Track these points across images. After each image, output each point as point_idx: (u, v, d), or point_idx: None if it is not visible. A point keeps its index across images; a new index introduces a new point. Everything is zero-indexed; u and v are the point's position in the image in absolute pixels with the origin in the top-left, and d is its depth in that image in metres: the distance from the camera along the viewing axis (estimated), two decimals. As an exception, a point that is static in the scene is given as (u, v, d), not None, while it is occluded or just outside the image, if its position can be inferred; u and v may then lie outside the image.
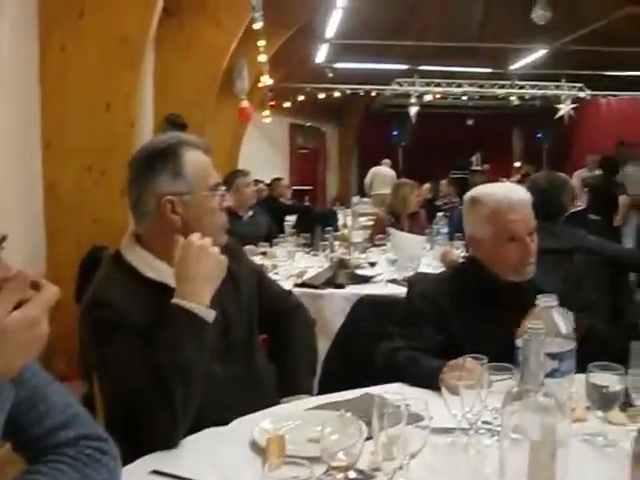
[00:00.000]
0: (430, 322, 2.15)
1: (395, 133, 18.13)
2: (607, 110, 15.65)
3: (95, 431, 1.24)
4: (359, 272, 4.22)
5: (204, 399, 1.66)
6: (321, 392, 2.28)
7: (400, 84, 14.23)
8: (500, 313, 2.06)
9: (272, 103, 13.26)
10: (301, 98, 14.40)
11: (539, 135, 17.95)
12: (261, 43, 8.18)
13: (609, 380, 1.55)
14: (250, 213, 5.72)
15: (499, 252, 2.15)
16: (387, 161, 14.39)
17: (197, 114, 7.06)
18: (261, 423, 1.64)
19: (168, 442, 1.57)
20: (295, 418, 1.69)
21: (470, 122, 18.96)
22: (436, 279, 2.49)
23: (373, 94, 15.54)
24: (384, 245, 5.15)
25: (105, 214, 4.38)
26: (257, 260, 4.38)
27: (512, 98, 15.04)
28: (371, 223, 6.50)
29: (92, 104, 4.40)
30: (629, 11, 9.84)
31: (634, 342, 1.66)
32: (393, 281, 3.95)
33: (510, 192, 2.18)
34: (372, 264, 4.60)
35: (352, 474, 1.33)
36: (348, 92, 14.69)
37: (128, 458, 1.43)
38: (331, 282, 3.86)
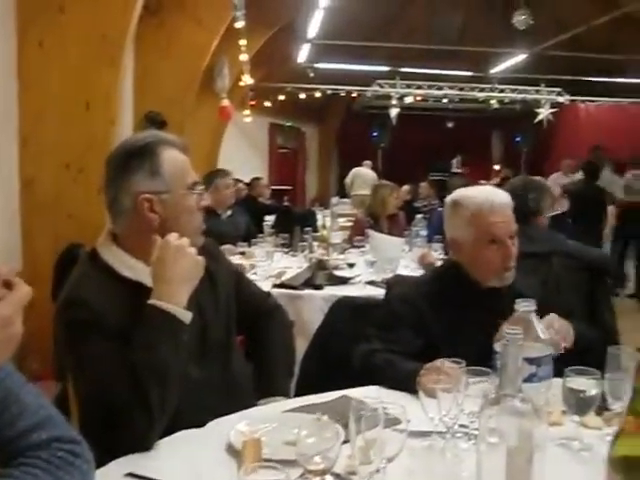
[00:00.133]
0: (409, 325, 2.15)
1: (375, 134, 18.16)
2: (585, 115, 15.78)
3: (68, 433, 1.22)
4: (338, 273, 4.22)
5: (180, 400, 1.65)
6: (299, 393, 2.27)
7: (381, 85, 14.24)
8: (479, 317, 2.06)
9: (253, 102, 13.22)
10: (282, 98, 14.37)
11: (518, 139, 18.06)
12: (242, 42, 8.16)
13: (586, 385, 1.56)
14: (229, 212, 5.70)
15: (480, 255, 2.15)
16: (368, 162, 14.41)
17: (177, 112, 7.03)
18: (237, 425, 1.63)
19: (143, 444, 1.55)
20: (272, 420, 1.68)
21: (450, 125, 19.04)
22: (415, 282, 2.49)
23: (354, 95, 15.55)
24: (363, 246, 5.16)
25: (82, 211, 4.33)
26: (236, 260, 4.36)
27: (492, 101, 15.11)
28: (350, 224, 6.50)
29: (71, 101, 4.35)
30: (609, 18, 9.96)
31: (611, 347, 1.67)
32: (371, 283, 3.96)
33: (491, 195, 2.18)
34: (351, 265, 4.60)
35: (329, 478, 1.32)
36: (329, 92, 14.68)
37: (102, 460, 1.41)
38: (310, 283, 3.86)
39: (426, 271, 4.03)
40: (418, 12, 13.07)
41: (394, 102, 14.43)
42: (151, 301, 1.65)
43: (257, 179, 9.57)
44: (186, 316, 1.67)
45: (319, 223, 6.79)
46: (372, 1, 11.70)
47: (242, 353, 2.13)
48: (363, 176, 13.29)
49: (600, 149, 9.35)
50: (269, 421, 1.67)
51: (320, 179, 19.10)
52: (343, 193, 13.72)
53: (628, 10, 10.57)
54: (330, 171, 19.34)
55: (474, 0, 12.52)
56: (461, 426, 1.56)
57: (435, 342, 2.06)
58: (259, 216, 6.68)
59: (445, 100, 15.39)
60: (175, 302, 1.65)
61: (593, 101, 15.16)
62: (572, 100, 14.77)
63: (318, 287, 3.83)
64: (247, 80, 10.19)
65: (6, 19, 4.18)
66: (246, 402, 1.88)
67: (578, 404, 1.57)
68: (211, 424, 1.70)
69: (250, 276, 3.84)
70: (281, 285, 3.84)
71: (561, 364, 1.66)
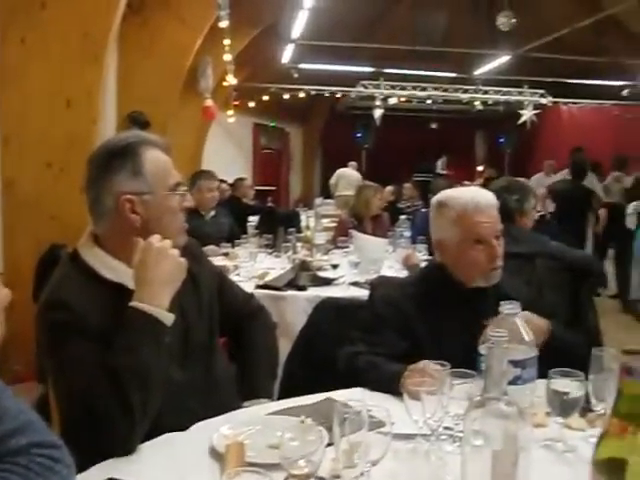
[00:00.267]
0: (393, 327, 2.14)
1: (359, 135, 18.18)
2: (568, 117, 15.91)
3: (48, 438, 1.20)
4: (321, 274, 4.21)
5: (162, 403, 1.63)
6: (282, 394, 2.27)
7: (365, 86, 14.26)
8: (464, 318, 2.06)
9: (236, 103, 13.19)
10: (266, 98, 14.35)
11: (501, 140, 18.17)
12: (226, 42, 8.13)
13: (570, 386, 1.56)
14: (212, 213, 5.68)
15: (465, 255, 2.14)
16: (353, 163, 14.41)
17: (160, 112, 6.99)
18: (220, 428, 1.62)
19: (125, 448, 1.53)
20: (255, 423, 1.66)
21: (434, 126, 19.10)
22: (400, 283, 2.49)
23: (338, 96, 15.56)
24: (347, 247, 5.15)
25: (64, 211, 4.29)
26: (219, 261, 4.34)
27: (476, 103, 15.19)
28: (334, 225, 6.50)
29: (53, 99, 4.31)
30: (592, 20, 10.03)
31: (595, 348, 1.68)
32: (355, 284, 3.95)
33: (476, 195, 2.18)
34: (334, 266, 4.59)
35: (313, 482, 1.31)
36: (313, 93, 14.68)
37: (83, 465, 1.39)
38: (293, 284, 3.85)
39: (410, 272, 4.03)
40: (402, 13, 13.10)
41: (378, 103, 14.45)
42: (132, 303, 1.63)
43: (241, 179, 9.54)
44: (168, 318, 1.65)
45: (303, 224, 6.78)
46: (356, 2, 11.72)
47: (225, 355, 2.12)
48: (348, 177, 13.28)
49: (581, 151, 9.40)
50: (252, 424, 1.66)
51: (304, 180, 19.11)
52: (327, 194, 13.72)
53: (611, 13, 10.66)
54: (314, 172, 19.35)
55: (458, 2, 12.57)
56: (445, 428, 1.56)
57: (420, 344, 2.06)
58: (243, 217, 6.66)
59: (429, 101, 15.44)
60: (157, 304, 1.64)
61: (576, 103, 15.29)
62: (555, 102, 14.88)
63: (302, 288, 3.82)
64: (231, 80, 10.17)
65: (-13, 15, 4.14)
66: (229, 404, 1.86)
67: (562, 406, 1.57)
68: (194, 427, 1.69)
69: (233, 277, 3.83)
70: (264, 286, 3.83)
71: (544, 366, 1.67)
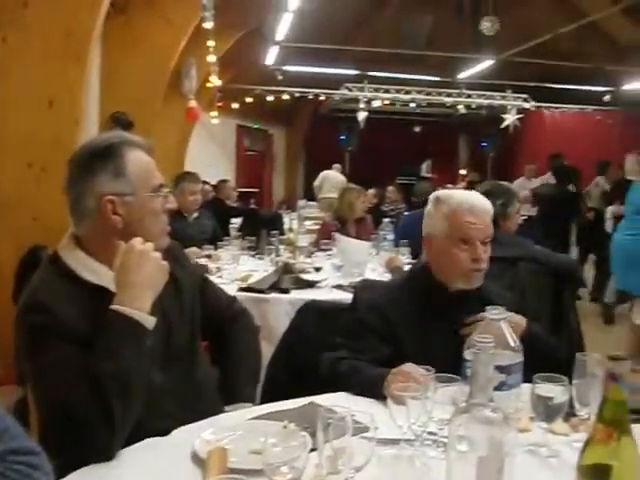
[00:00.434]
0: (376, 333, 2.14)
1: (343, 138, 18.19)
2: (551, 122, 16.01)
3: (26, 445, 1.18)
4: (304, 277, 4.19)
5: (143, 408, 1.61)
6: (265, 399, 2.25)
7: (349, 89, 14.27)
8: (448, 323, 2.06)
9: (220, 104, 13.15)
10: (249, 100, 14.32)
11: (484, 144, 18.24)
12: (211, 43, 8.10)
13: (554, 391, 1.56)
14: (195, 215, 5.65)
15: (449, 253, 2.15)
16: (338, 166, 14.38)
17: (144, 113, 6.95)
18: (202, 434, 1.60)
19: (105, 454, 1.51)
20: (237, 428, 1.64)
21: (418, 129, 19.16)
22: (384, 287, 2.48)
23: (322, 98, 15.55)
24: (330, 250, 5.14)
25: (46, 213, 4.23)
26: (202, 263, 4.32)
27: (459, 107, 15.25)
28: (317, 227, 6.48)
29: (34, 98, 4.25)
30: (575, 26, 10.12)
31: (578, 353, 1.68)
32: (339, 286, 3.94)
33: (474, 199, 2.21)
34: (317, 269, 4.58)
35: (296, 488, 1.30)
36: (297, 95, 14.67)
37: (62, 471, 1.37)
38: (276, 287, 3.82)
39: (393, 275, 4.03)
40: (387, 16, 13.14)
41: (362, 106, 14.46)
42: (113, 306, 1.61)
43: (224, 181, 9.50)
44: (149, 321, 1.63)
45: (286, 226, 6.77)
46: (341, 5, 11.73)
47: (207, 359, 2.09)
48: (332, 179, 13.26)
49: (561, 157, 9.45)
50: (234, 429, 1.64)
51: (287, 182, 19.09)
52: (310, 196, 13.70)
53: (593, 19, 10.75)
54: (297, 174, 19.34)
55: (443, 6, 12.61)
56: (430, 433, 1.55)
57: (403, 349, 2.06)
58: (226, 219, 6.63)
59: (413, 104, 15.46)
60: (138, 307, 1.62)
61: (558, 108, 15.39)
62: (538, 106, 14.97)
63: (284, 291, 3.80)
64: (215, 81, 10.13)
65: (-33, 13, 4.08)
66: (211, 409, 1.85)
67: (547, 412, 1.57)
68: (175, 432, 1.67)
69: (216, 279, 3.80)
70: (247, 289, 3.80)
71: (527, 370, 1.66)
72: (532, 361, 1.70)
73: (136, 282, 1.63)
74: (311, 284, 4.02)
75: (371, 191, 9.75)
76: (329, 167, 14.02)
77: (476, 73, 13.16)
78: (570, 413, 1.65)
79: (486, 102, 14.83)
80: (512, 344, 1.64)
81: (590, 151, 12.67)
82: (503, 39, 10.66)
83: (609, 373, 1.61)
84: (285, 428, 1.42)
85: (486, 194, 3.22)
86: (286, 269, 4.20)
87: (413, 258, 4.57)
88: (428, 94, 14.59)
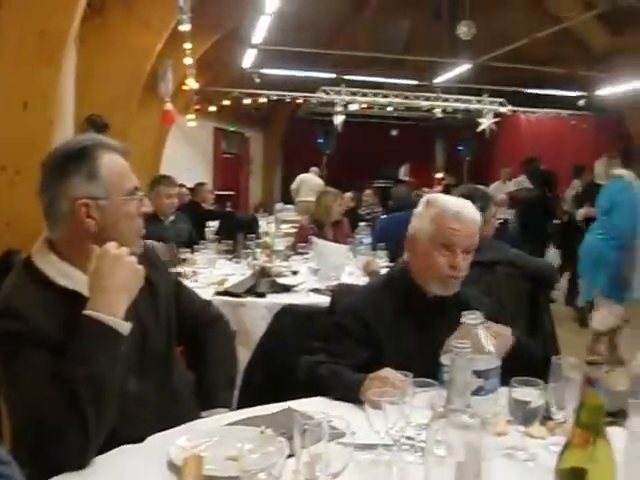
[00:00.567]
0: (354, 337, 2.13)
1: (320, 141, 18.22)
2: (526, 126, 16.17)
3: (-3, 453, 1.15)
4: (281, 281, 4.17)
5: (118, 414, 1.59)
6: (241, 404, 2.23)
7: (326, 92, 14.28)
8: (426, 328, 2.06)
9: (197, 107, 13.10)
10: (227, 103, 14.28)
11: (461, 147, 18.37)
12: (187, 46, 8.05)
13: (531, 395, 1.56)
14: (171, 218, 5.61)
15: (429, 255, 2.15)
16: (315, 169, 14.38)
17: (119, 115, 6.89)
18: (178, 440, 1.58)
19: (79, 462, 1.49)
20: (213, 434, 1.63)
21: (394, 133, 19.22)
22: (362, 290, 2.48)
23: (299, 101, 15.55)
24: (307, 253, 5.13)
25: (20, 217, 4.17)
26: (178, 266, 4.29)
27: (436, 110, 15.30)
28: (294, 230, 6.47)
29: (8, 100, 4.20)
30: (550, 32, 10.22)
31: (554, 357, 1.68)
32: (316, 290, 3.93)
33: (463, 206, 2.20)
34: (294, 272, 4.56)
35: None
36: (274, 98, 14.66)
37: (35, 479, 1.34)
38: (252, 291, 3.80)
39: (370, 278, 4.03)
40: (364, 20, 13.16)
41: (339, 109, 14.48)
42: (87, 312, 1.58)
43: (201, 184, 9.46)
44: (124, 327, 1.61)
45: (262, 229, 6.74)
46: (319, 9, 11.74)
47: (183, 363, 2.07)
48: (309, 182, 13.27)
49: (535, 161, 9.53)
50: (210, 435, 1.62)
51: (264, 185, 19.05)
52: (287, 199, 13.69)
53: (568, 25, 10.88)
54: (274, 177, 19.32)
55: (420, 10, 12.67)
56: (407, 438, 1.54)
57: (381, 353, 2.05)
58: (202, 222, 6.59)
59: (390, 108, 15.52)
60: (112, 312, 1.59)
61: (534, 112, 15.53)
62: (514, 111, 15.10)
63: (261, 295, 3.77)
64: (192, 84, 10.09)
65: (-60, 14, 4.02)
66: (187, 415, 1.82)
67: (524, 415, 1.57)
68: (150, 439, 1.64)
69: (192, 283, 3.77)
70: (223, 293, 3.78)
71: (504, 373, 1.67)
72: (508, 365, 1.70)
73: (110, 287, 1.61)
74: (288, 288, 4.00)
75: (348, 194, 9.74)
76: (306, 170, 14.03)
77: (453, 77, 13.23)
78: (547, 416, 1.65)
79: (463, 106, 14.92)
80: (489, 349, 1.64)
81: (565, 155, 12.82)
82: (480, 44, 10.73)
83: (586, 378, 1.62)
84: (262, 434, 1.40)
85: (463, 198, 3.25)
86: (263, 273, 4.17)
87: (391, 261, 4.57)
88: (405, 98, 14.64)
